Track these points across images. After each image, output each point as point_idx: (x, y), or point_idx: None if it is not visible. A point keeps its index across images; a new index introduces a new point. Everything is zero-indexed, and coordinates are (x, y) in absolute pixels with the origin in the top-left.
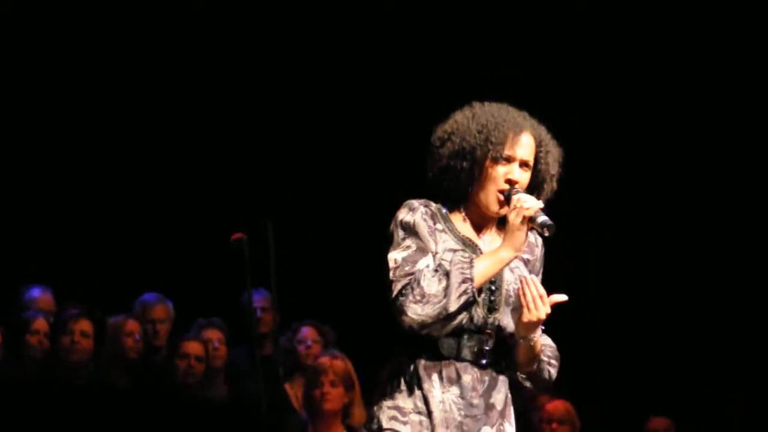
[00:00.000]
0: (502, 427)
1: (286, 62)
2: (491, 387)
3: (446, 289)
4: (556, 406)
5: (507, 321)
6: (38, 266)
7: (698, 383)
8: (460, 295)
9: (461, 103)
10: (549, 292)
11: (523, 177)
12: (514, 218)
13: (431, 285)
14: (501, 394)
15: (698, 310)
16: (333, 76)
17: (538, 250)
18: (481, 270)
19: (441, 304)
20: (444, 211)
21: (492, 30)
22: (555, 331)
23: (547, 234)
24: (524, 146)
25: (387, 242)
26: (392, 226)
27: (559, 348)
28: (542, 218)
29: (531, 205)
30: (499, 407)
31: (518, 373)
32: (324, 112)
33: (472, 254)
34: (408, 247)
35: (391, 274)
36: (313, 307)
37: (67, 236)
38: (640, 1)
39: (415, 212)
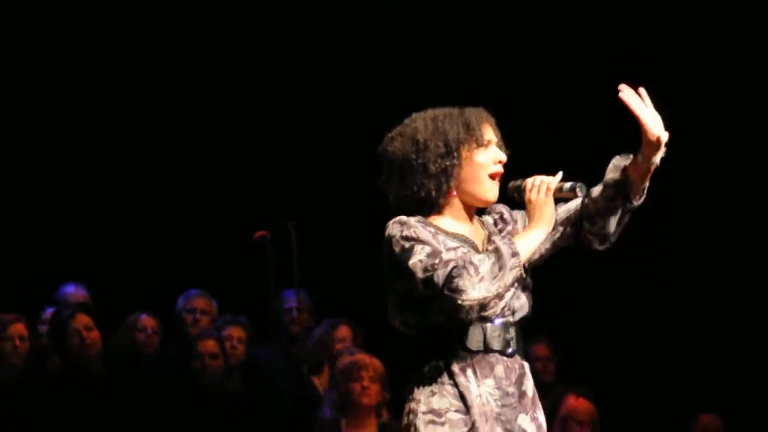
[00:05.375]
0: (535, 414)
1: (310, 66)
2: (521, 375)
3: (499, 262)
4: (579, 404)
5: (519, 304)
6: (72, 263)
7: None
8: (512, 268)
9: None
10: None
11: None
12: (536, 195)
13: (483, 262)
14: (530, 381)
15: (734, 309)
16: (356, 81)
17: (512, 224)
18: (524, 245)
19: (498, 277)
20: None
21: (496, 31)
22: (578, 334)
23: (580, 194)
24: (492, 128)
25: (390, 264)
26: (391, 246)
27: (588, 347)
28: (568, 184)
29: (550, 179)
30: (530, 394)
31: (632, 194)
32: (347, 114)
33: (471, 249)
34: (423, 249)
35: (421, 273)
36: (337, 306)
37: (97, 235)
38: (636, 4)
39: (408, 226)
